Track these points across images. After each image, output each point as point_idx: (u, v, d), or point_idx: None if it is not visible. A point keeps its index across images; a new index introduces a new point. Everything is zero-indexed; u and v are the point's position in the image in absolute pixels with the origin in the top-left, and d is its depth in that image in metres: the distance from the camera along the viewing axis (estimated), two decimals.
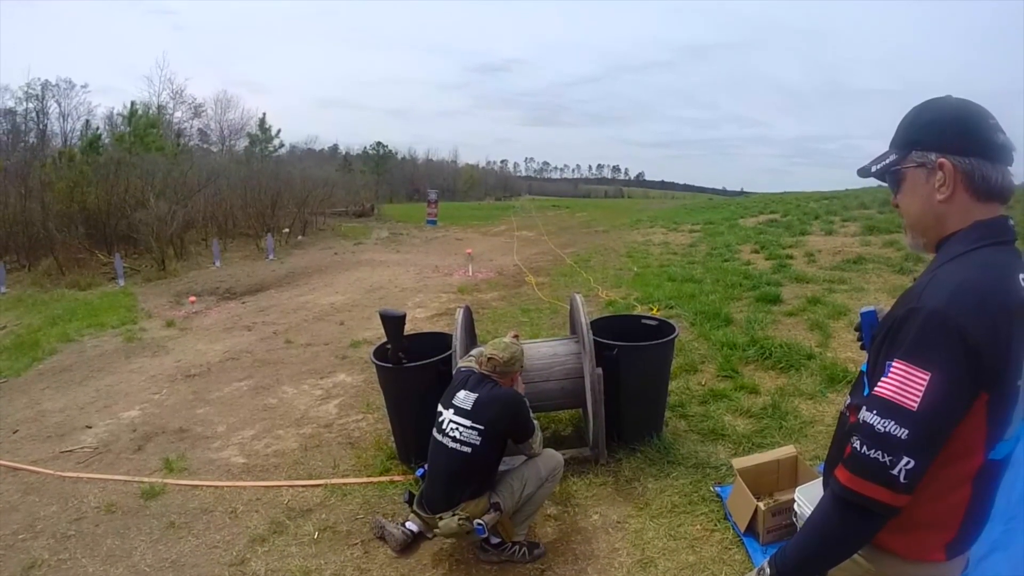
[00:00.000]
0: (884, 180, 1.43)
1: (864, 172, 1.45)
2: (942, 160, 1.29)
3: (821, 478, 1.80)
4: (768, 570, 1.35)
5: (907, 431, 1.18)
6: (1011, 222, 1.32)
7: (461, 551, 3.41)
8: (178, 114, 38.86)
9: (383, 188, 59.01)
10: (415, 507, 3.24)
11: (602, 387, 3.91)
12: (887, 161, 1.39)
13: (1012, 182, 1.30)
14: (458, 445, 3.08)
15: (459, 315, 4.23)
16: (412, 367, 4.14)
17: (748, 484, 3.34)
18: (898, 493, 1.20)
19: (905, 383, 1.20)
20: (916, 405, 1.18)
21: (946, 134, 1.30)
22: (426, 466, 3.31)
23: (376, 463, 4.42)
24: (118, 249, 15.67)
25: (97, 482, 4.51)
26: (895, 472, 1.19)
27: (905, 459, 1.18)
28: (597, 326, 4.39)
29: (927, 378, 1.18)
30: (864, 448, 1.23)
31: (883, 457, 1.20)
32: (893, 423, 1.19)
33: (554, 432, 4.72)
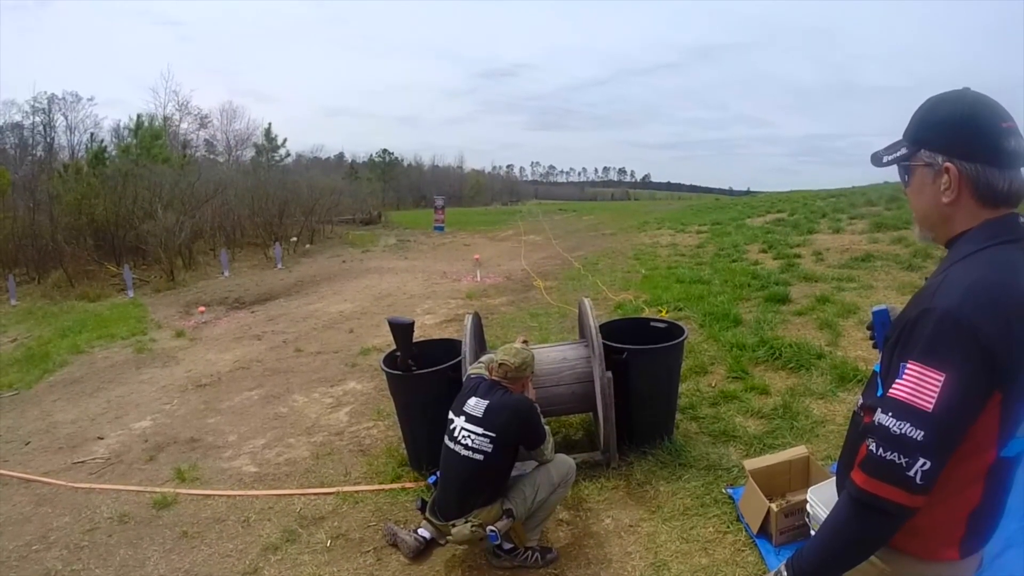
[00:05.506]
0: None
1: (877, 160, 1.45)
2: (948, 164, 1.29)
3: (834, 478, 1.79)
4: (785, 573, 1.34)
5: (923, 432, 1.18)
6: (1021, 219, 1.31)
7: (473, 557, 3.40)
8: (184, 125, 39.17)
9: (390, 195, 59.20)
10: (428, 514, 3.24)
11: (612, 391, 3.89)
12: (898, 154, 1.39)
13: (1021, 188, 1.29)
14: (470, 452, 3.08)
15: (468, 321, 4.23)
16: (422, 374, 4.14)
17: (760, 485, 3.32)
18: (914, 494, 1.20)
19: (920, 384, 1.19)
20: (931, 406, 1.17)
21: (955, 137, 1.29)
22: (438, 473, 3.31)
23: (388, 470, 4.42)
24: (127, 260, 15.78)
25: (109, 492, 4.54)
26: (911, 473, 1.19)
27: (921, 460, 1.18)
28: (606, 329, 4.38)
29: (942, 379, 1.17)
30: (880, 450, 1.22)
31: (899, 459, 1.20)
32: (909, 425, 1.19)
33: (565, 436, 4.71)
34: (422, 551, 3.45)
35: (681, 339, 4.30)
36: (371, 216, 29.65)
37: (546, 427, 3.30)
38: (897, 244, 9.93)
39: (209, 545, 3.77)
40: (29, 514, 4.33)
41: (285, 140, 47.93)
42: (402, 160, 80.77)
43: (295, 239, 20.39)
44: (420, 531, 3.50)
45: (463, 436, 3.11)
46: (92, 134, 34.84)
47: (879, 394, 1.34)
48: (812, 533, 2.74)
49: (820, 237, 11.93)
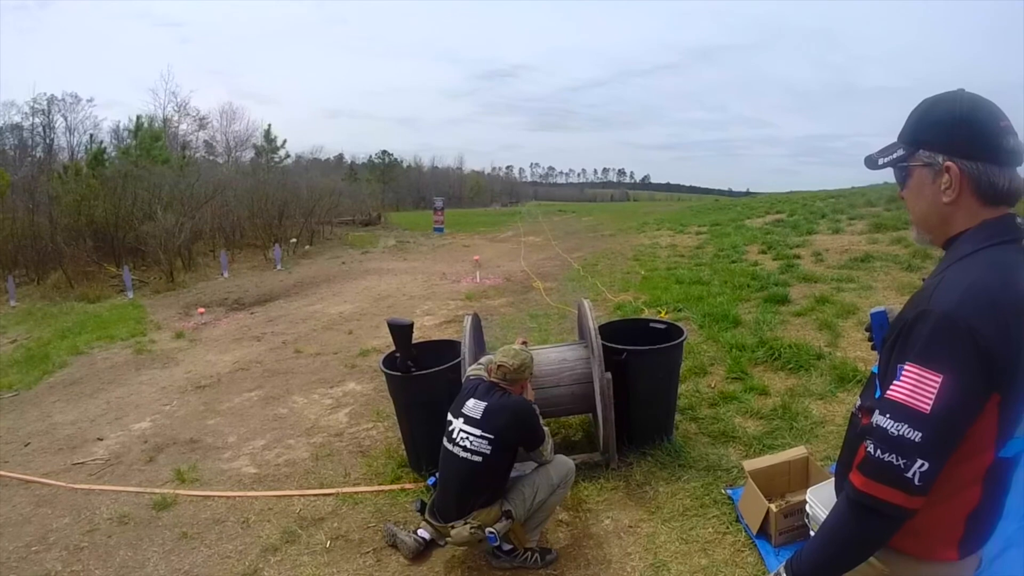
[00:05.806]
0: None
1: (871, 163, 1.44)
2: (949, 163, 1.29)
3: (833, 479, 1.79)
4: (784, 574, 1.35)
5: (920, 434, 1.18)
6: (1019, 220, 1.31)
7: (473, 558, 3.40)
8: (183, 126, 39.18)
9: (389, 196, 59.23)
10: (427, 516, 3.24)
11: (611, 392, 3.90)
12: (894, 155, 1.39)
13: (1021, 185, 1.29)
14: (469, 454, 3.08)
15: (467, 322, 4.23)
16: (421, 375, 4.14)
17: (760, 486, 3.33)
18: (912, 495, 1.20)
19: (918, 386, 1.19)
20: (929, 408, 1.17)
21: (954, 136, 1.29)
22: (437, 474, 3.31)
23: (387, 471, 4.42)
24: (126, 262, 15.75)
25: (109, 494, 4.53)
26: (909, 475, 1.19)
27: (919, 462, 1.18)
28: (605, 330, 4.38)
29: (939, 381, 1.17)
30: (878, 452, 1.23)
31: (897, 460, 1.20)
32: (906, 427, 1.19)
33: (564, 437, 4.71)
34: (422, 552, 3.45)
35: (680, 340, 4.30)
36: (370, 217, 29.68)
37: (545, 428, 3.30)
38: (896, 245, 9.93)
39: (209, 546, 3.76)
40: (29, 515, 4.32)
41: (285, 141, 47.86)
42: (402, 161, 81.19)
43: (295, 240, 20.39)
44: (420, 532, 3.50)
45: (462, 438, 3.11)
46: (91, 135, 34.96)
47: (877, 396, 1.34)
48: (811, 534, 2.75)
49: (819, 238, 11.93)
